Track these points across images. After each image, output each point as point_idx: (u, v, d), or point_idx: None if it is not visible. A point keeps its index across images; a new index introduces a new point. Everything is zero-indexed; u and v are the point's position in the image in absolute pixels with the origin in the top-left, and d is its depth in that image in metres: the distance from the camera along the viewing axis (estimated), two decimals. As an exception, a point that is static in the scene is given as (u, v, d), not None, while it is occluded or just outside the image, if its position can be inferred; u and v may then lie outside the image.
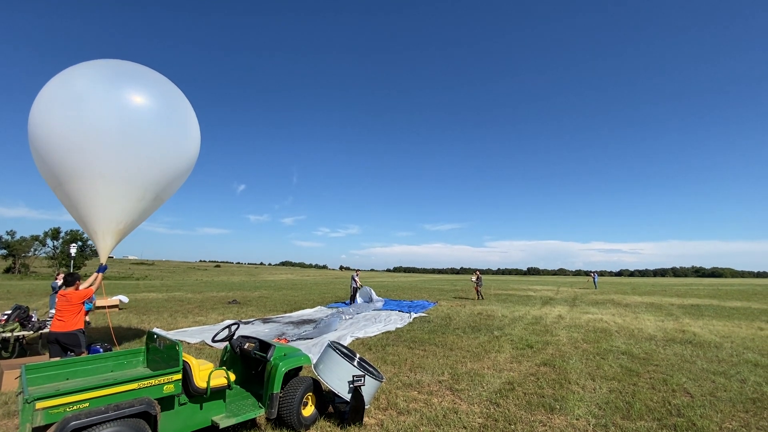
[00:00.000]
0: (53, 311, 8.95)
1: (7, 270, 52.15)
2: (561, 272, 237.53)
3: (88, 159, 5.56)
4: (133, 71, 6.17)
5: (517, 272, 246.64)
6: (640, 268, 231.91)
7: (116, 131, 5.60)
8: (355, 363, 4.47)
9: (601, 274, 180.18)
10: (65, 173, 5.66)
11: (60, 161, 5.60)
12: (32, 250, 54.15)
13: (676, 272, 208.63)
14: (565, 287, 38.96)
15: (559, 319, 13.40)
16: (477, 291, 22.03)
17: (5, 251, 52.15)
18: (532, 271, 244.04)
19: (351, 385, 4.22)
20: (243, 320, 12.48)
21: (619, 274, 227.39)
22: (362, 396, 4.22)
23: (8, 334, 7.26)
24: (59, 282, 10.82)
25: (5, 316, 7.83)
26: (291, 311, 15.44)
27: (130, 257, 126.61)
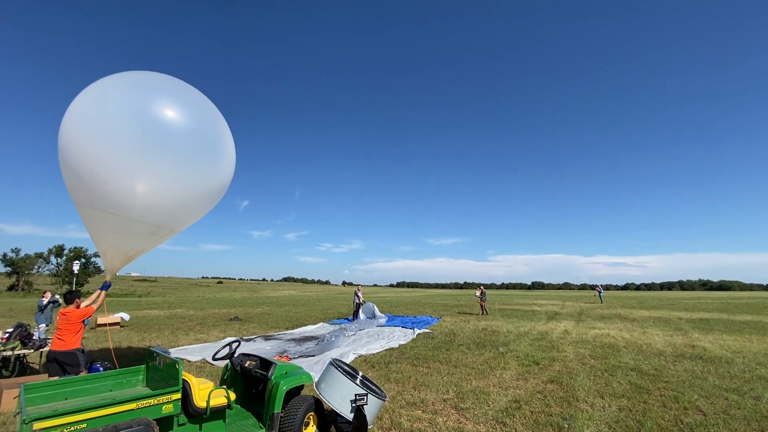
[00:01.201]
0: (42, 326, 8.92)
1: (11, 287, 52.18)
2: (566, 286, 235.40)
3: (123, 189, 5.07)
4: (182, 95, 5.48)
5: (521, 286, 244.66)
6: (646, 282, 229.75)
7: (158, 162, 5.09)
8: (358, 381, 4.38)
9: (607, 287, 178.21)
10: (99, 199, 5.17)
11: (95, 186, 5.09)
12: (36, 267, 54.26)
13: (683, 285, 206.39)
14: (571, 302, 38.52)
15: (566, 335, 13.18)
16: (481, 306, 21.78)
17: (9, 269, 52.28)
18: (537, 286, 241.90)
19: (353, 404, 4.13)
20: (244, 337, 12.36)
21: (625, 287, 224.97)
22: (365, 415, 4.12)
23: (9, 353, 7.20)
24: (45, 300, 10.78)
25: (6, 335, 7.79)
26: (293, 328, 15.29)
27: (133, 274, 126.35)
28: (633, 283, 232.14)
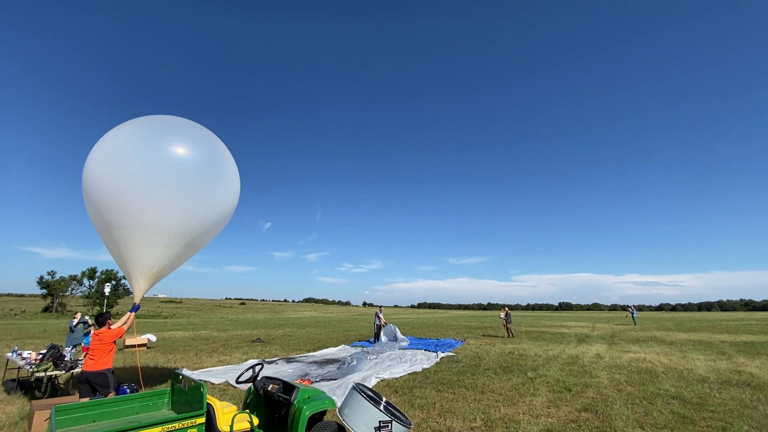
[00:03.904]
0: (68, 348, 9.18)
1: (45, 309, 54.37)
2: (595, 307, 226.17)
3: (134, 209, 6.08)
4: (182, 128, 6.75)
5: (548, 307, 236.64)
6: (683, 302, 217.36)
7: (160, 185, 6.13)
8: (382, 407, 4.26)
9: (639, 308, 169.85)
10: (112, 220, 6.16)
11: (108, 209, 6.15)
12: (69, 289, 56.42)
13: (722, 306, 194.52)
14: (601, 323, 36.84)
15: (598, 359, 12.53)
16: (507, 328, 21.10)
17: (45, 291, 54.57)
18: (564, 306, 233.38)
19: (377, 432, 4.00)
20: (267, 360, 12.34)
21: (660, 308, 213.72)
22: (390, 443, 3.98)
23: (42, 374, 7.41)
24: (75, 321, 11.14)
25: (40, 356, 8.05)
26: (314, 350, 15.18)
27: (160, 295, 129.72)
28: (668, 304, 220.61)
